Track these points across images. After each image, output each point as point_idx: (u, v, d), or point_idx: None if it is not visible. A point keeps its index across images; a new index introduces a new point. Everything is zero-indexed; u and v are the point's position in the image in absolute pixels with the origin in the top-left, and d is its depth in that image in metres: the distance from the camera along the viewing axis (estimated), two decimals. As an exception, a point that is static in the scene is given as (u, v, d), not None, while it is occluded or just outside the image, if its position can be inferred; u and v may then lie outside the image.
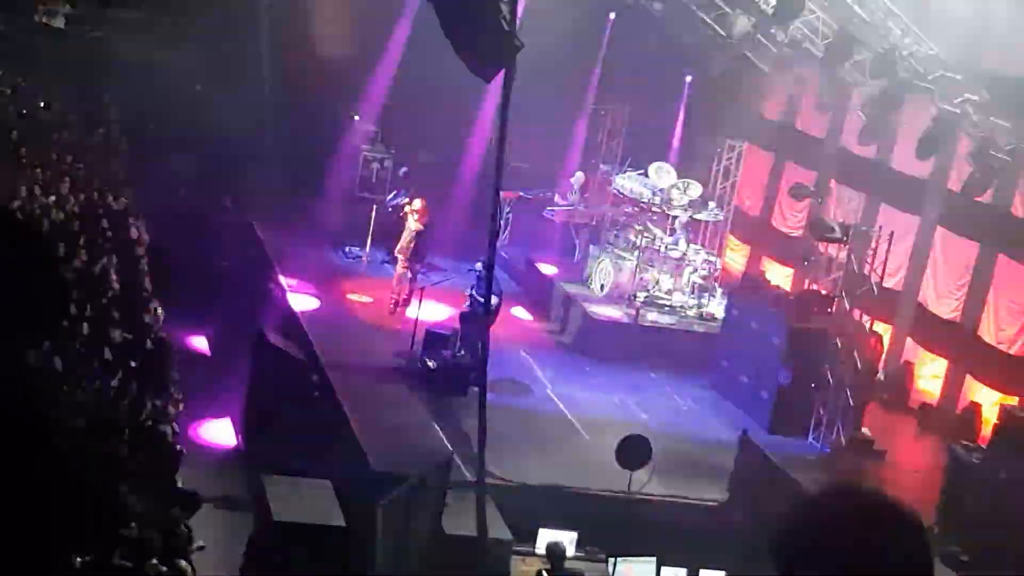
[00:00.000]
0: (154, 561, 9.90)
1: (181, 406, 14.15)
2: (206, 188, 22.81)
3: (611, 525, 13.03)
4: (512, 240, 23.62)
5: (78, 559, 8.85)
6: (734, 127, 23.87)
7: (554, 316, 21.04)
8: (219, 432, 15.96)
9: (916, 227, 20.41)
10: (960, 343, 19.00)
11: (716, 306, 21.55)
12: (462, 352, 17.06)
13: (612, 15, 24.40)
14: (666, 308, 21.02)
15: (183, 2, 24.44)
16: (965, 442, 16.91)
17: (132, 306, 15.58)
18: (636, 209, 22.80)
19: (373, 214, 21.50)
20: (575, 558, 12.31)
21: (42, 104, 22.90)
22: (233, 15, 23.93)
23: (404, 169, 23.31)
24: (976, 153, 17.93)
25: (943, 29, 19.53)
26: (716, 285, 22.66)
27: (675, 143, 24.32)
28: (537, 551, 12.42)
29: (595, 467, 14.88)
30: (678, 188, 22.72)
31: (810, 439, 17.36)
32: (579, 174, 24.10)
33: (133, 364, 13.76)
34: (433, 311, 18.71)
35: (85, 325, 13.54)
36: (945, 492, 15.24)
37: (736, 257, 25.12)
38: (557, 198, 23.95)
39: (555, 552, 11.80)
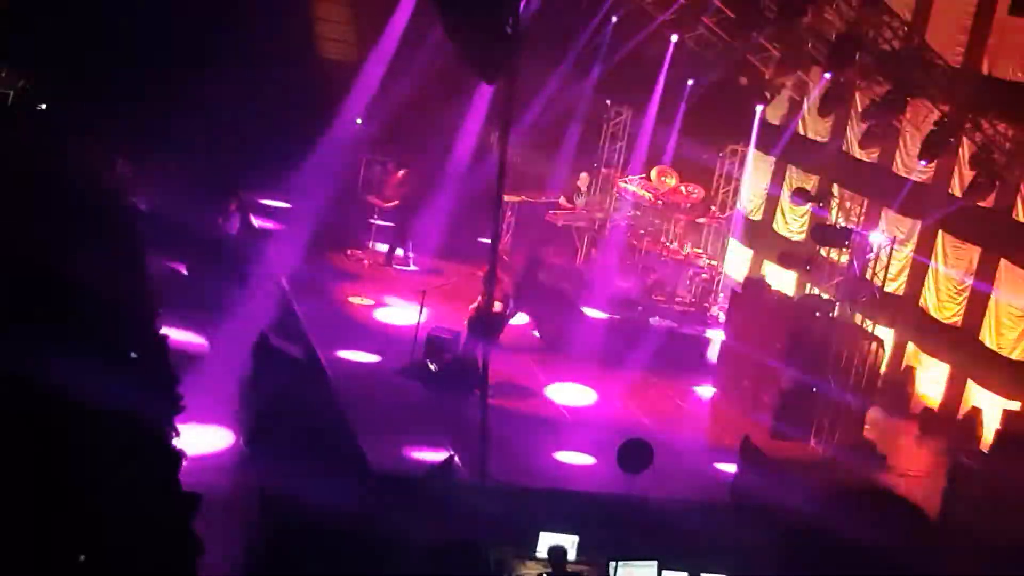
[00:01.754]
0: (154, 562, 9.88)
1: (181, 406, 14.14)
2: (206, 189, 22.76)
3: (612, 528, 13.01)
4: (514, 243, 23.63)
5: (78, 558, 8.84)
6: (736, 131, 23.88)
7: (556, 319, 21.01)
8: (219, 433, 15.93)
9: (917, 232, 20.42)
10: (961, 348, 18.99)
11: (718, 310, 21.57)
12: (466, 352, 17.00)
13: (614, 19, 24.41)
14: (668, 311, 21.03)
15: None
16: (966, 447, 16.94)
17: (132, 306, 15.57)
18: (638, 212, 22.82)
19: (375, 216, 21.49)
20: (576, 562, 12.30)
21: (44, 105, 22.91)
22: (237, 18, 23.91)
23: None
24: (978, 158, 17.93)
25: (945, 32, 19.56)
26: (718, 289, 22.69)
27: (677, 147, 24.31)
28: (538, 555, 12.40)
29: (596, 470, 14.88)
30: (680, 192, 22.76)
31: (811, 443, 17.34)
32: (584, 175, 24.14)
33: (133, 364, 13.76)
34: (434, 313, 18.69)
35: (85, 326, 13.53)
36: (946, 497, 15.23)
37: (738, 261, 25.12)
38: (563, 200, 23.98)
39: (557, 554, 11.80)
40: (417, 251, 22.28)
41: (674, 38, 23.53)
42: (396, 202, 22.36)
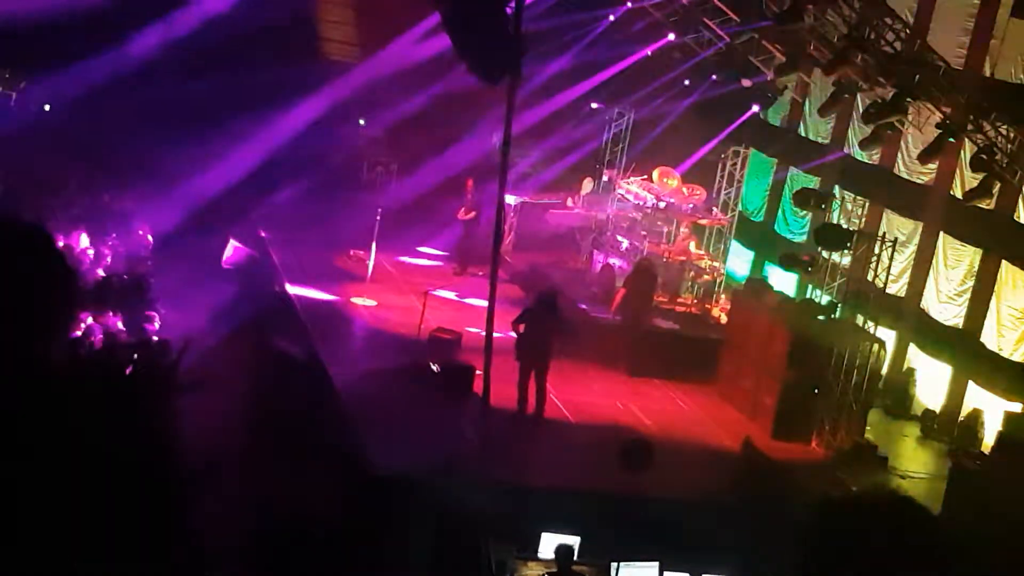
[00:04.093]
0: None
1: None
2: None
3: (614, 529, 13.04)
4: (517, 245, 23.68)
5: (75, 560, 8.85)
6: (738, 132, 23.91)
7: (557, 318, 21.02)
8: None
9: (919, 233, 20.45)
10: (963, 349, 19.00)
11: (719, 311, 21.58)
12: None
13: (611, 17, 24.44)
14: (670, 312, 21.03)
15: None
16: (968, 449, 16.94)
17: (135, 308, 15.64)
18: (640, 214, 22.83)
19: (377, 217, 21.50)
20: (578, 562, 12.32)
21: (47, 107, 22.98)
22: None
23: None
24: (979, 159, 17.95)
25: (947, 34, 19.58)
26: (719, 290, 22.70)
27: (679, 148, 24.31)
28: (540, 555, 12.43)
29: (598, 471, 14.90)
30: (682, 193, 22.77)
31: (813, 445, 17.36)
32: (587, 180, 24.19)
33: (136, 365, 13.81)
34: (437, 314, 18.74)
35: (89, 328, 13.59)
36: (947, 498, 15.24)
37: (740, 262, 25.15)
38: (569, 201, 24.01)
39: (562, 553, 11.83)
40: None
41: (671, 36, 23.52)
42: (474, 213, 22.41)
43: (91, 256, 16.13)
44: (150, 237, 18.87)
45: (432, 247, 23.34)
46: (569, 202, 24.06)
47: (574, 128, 25.38)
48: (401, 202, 22.78)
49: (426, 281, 20.45)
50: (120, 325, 14.90)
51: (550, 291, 17.01)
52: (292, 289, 19.65)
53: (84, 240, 16.14)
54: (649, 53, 24.32)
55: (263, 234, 22.24)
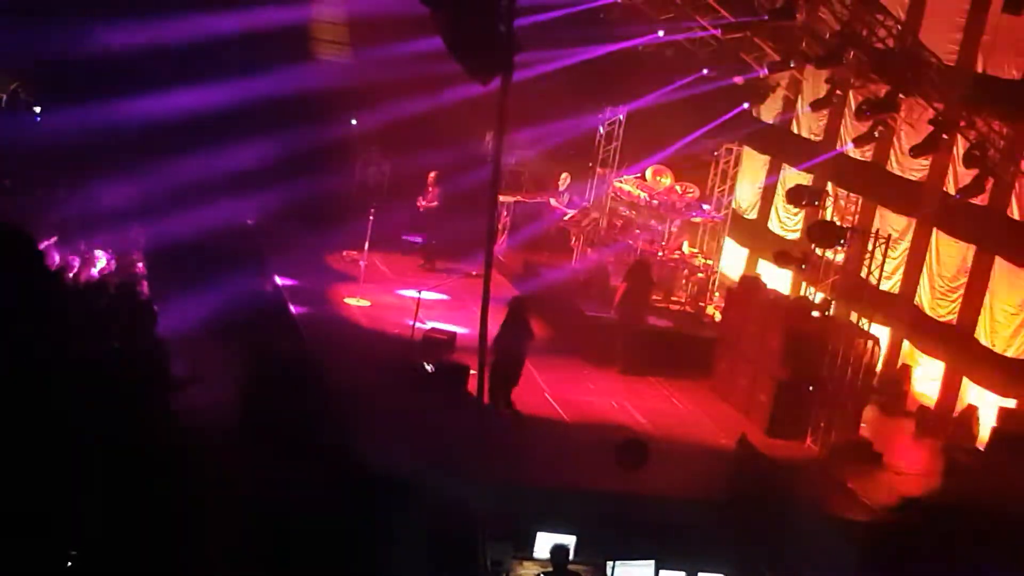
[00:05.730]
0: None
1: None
2: (202, 191, 22.73)
3: (609, 528, 13.03)
4: (510, 243, 23.65)
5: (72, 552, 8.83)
6: (731, 130, 23.91)
7: (552, 319, 21.02)
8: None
9: (912, 229, 20.45)
10: (957, 346, 19.01)
11: (714, 309, 21.59)
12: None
13: (601, 15, 24.39)
14: (664, 310, 21.03)
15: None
16: (962, 445, 16.97)
17: (129, 309, 15.57)
18: (633, 212, 22.83)
19: (371, 218, 21.48)
20: (573, 561, 12.31)
21: (37, 109, 22.92)
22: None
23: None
24: (972, 155, 17.96)
25: (940, 31, 19.59)
26: (714, 288, 22.71)
27: (673, 145, 24.31)
28: (535, 555, 12.42)
29: (593, 470, 14.89)
30: (675, 191, 22.78)
31: (808, 442, 17.37)
32: (564, 175, 24.16)
33: (131, 367, 13.75)
34: (431, 314, 18.73)
35: (83, 328, 13.52)
36: (942, 495, 15.25)
37: (733, 260, 25.14)
38: (553, 201, 23.98)
39: (558, 554, 11.82)
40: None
41: (660, 33, 23.48)
42: (436, 203, 22.50)
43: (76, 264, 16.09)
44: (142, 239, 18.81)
45: (415, 237, 23.36)
46: (553, 201, 24.01)
47: (567, 126, 25.36)
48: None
49: (420, 282, 20.40)
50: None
51: (516, 302, 17.01)
52: (285, 288, 19.61)
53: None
54: (640, 48, 24.28)
55: (256, 234, 22.17)
